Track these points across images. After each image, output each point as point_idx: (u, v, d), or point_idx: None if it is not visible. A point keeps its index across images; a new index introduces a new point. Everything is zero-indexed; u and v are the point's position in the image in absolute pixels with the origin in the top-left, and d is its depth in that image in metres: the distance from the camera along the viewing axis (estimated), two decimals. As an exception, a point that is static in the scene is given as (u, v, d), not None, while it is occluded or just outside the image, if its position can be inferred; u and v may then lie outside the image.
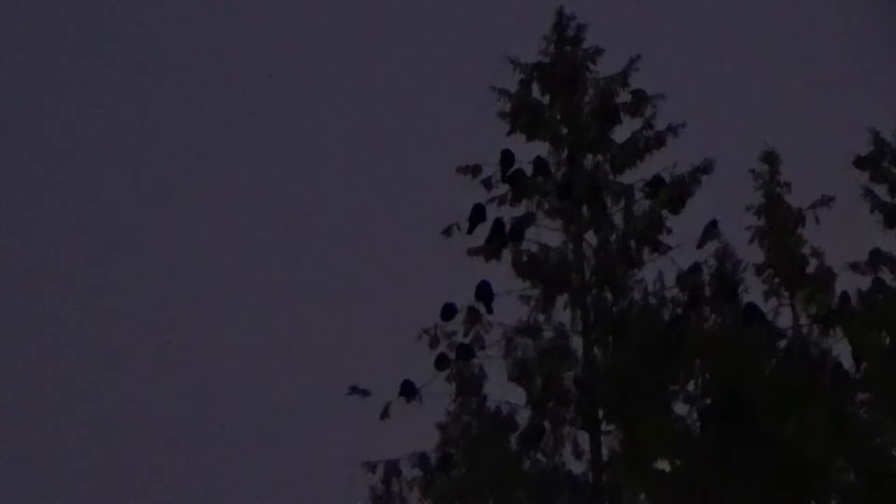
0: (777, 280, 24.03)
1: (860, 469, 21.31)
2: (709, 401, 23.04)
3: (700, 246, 23.92)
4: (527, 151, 24.98)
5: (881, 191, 23.67)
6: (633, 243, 24.81)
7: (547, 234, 25.25)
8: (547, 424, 24.68)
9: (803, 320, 24.21)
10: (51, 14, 45.62)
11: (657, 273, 24.48)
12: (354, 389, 27.39)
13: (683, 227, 25.11)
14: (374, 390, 25.07)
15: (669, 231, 24.46)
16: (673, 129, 24.41)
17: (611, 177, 25.03)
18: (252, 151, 42.44)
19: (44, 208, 42.39)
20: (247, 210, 41.94)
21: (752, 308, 23.47)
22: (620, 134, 25.17)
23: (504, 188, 24.85)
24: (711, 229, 23.80)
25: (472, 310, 24.37)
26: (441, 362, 24.42)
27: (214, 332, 37.53)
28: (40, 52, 44.80)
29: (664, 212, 24.65)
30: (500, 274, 24.73)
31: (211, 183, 41.60)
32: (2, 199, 42.63)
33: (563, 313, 25.07)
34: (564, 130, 24.90)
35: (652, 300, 24.39)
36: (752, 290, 24.39)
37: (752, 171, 24.09)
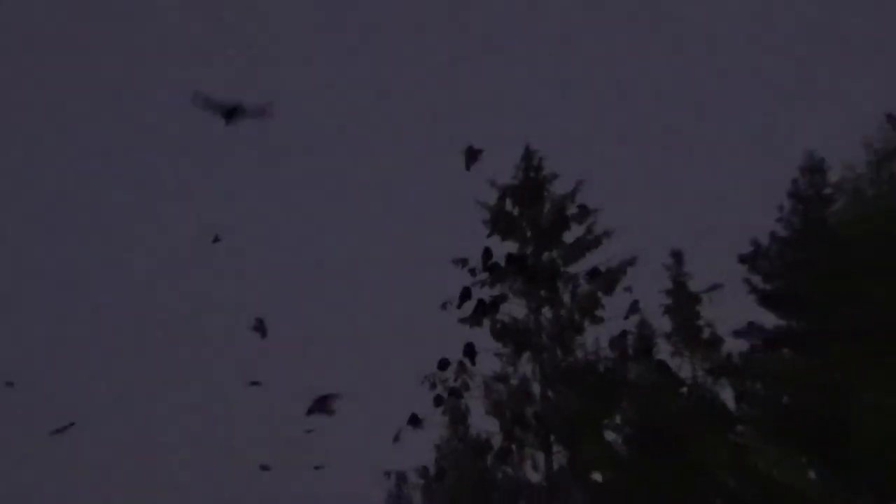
0: (681, 343, 27.28)
1: (744, 483, 22.31)
2: (630, 430, 25.24)
3: (626, 318, 26.53)
4: (502, 248, 27.47)
5: (757, 280, 24.84)
6: (577, 316, 27.20)
7: (515, 308, 27.47)
8: (513, 446, 26.64)
9: (699, 373, 26.68)
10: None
11: (595, 338, 27.16)
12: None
13: (614, 304, 27.20)
14: (390, 422, 25.30)
15: (604, 307, 27.19)
16: (608, 234, 27.21)
17: (562, 268, 27.41)
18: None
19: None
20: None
21: (662, 363, 26.31)
22: (570, 236, 27.45)
23: (485, 275, 27.01)
24: (634, 306, 26.40)
25: (460, 363, 26.61)
26: (438, 401, 26.55)
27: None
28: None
29: (600, 293, 27.15)
30: (482, 337, 27.12)
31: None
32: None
33: (526, 366, 27.24)
34: (529, 234, 27.36)
35: (591, 357, 27.08)
36: (663, 350, 27.20)
37: (664, 264, 27.59)
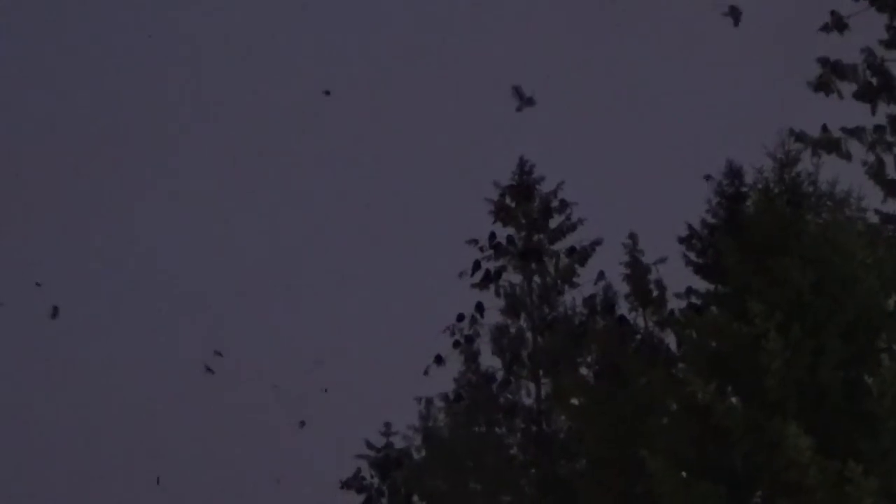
0: (636, 302, 28.89)
1: (683, 415, 21.81)
2: (598, 367, 28.31)
3: (595, 283, 30.75)
4: (503, 232, 31.54)
5: (692, 255, 27.83)
6: (559, 282, 31.11)
7: (513, 276, 31.45)
8: (512, 378, 30.88)
9: (650, 324, 28.55)
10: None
11: (572, 298, 31.22)
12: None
13: (586, 273, 31.20)
14: (423, 355, 30.73)
15: (578, 276, 31.25)
16: (581, 221, 31.02)
17: (547, 247, 31.33)
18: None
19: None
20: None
21: (622, 317, 29.30)
22: (553, 223, 31.55)
23: (490, 252, 31.35)
24: (601, 275, 30.63)
25: (473, 316, 31.48)
26: (456, 345, 31.40)
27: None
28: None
29: (576, 265, 31.11)
30: (488, 297, 31.70)
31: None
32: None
33: (522, 319, 31.10)
34: (523, 221, 31.36)
35: (569, 312, 30.84)
36: (622, 307, 29.49)
37: (623, 244, 28.84)
